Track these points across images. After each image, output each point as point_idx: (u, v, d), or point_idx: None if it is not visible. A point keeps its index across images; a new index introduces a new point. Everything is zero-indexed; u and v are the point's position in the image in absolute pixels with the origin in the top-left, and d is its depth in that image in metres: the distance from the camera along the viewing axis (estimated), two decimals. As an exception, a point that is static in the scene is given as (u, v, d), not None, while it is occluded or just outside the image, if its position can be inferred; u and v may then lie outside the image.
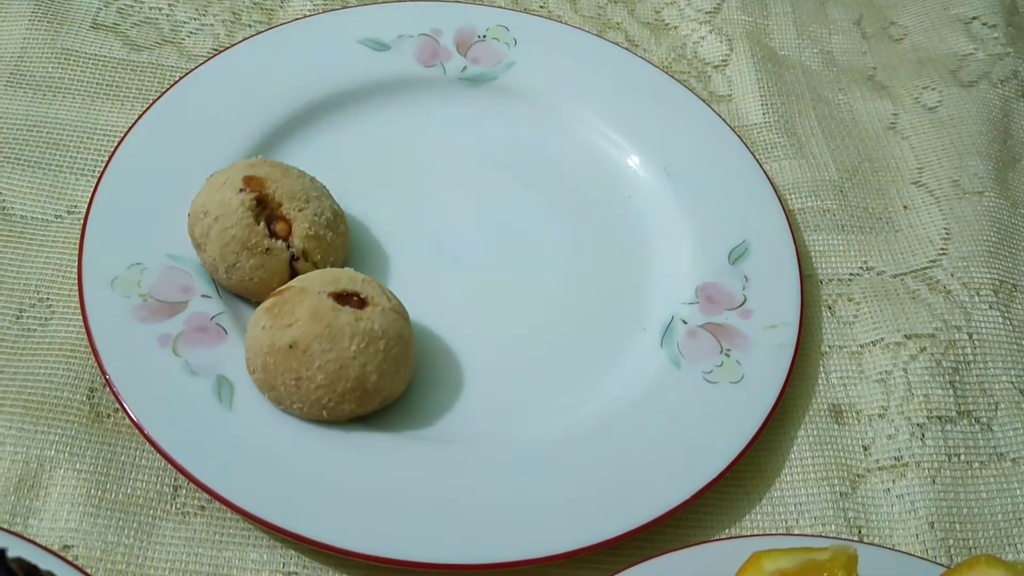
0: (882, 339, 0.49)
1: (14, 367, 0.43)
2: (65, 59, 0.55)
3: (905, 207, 0.55)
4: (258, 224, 0.44)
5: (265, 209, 0.45)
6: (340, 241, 0.47)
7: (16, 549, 0.34)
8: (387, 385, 0.42)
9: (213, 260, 0.44)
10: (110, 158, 0.48)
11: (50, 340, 0.44)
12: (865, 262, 0.52)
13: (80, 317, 0.43)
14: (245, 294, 0.45)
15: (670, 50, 0.61)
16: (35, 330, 0.45)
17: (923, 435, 0.45)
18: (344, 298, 0.42)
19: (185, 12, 0.58)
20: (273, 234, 0.44)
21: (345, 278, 0.43)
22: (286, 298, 0.42)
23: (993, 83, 0.61)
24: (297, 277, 0.44)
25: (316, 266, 0.45)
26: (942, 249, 0.53)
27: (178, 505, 0.41)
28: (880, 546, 0.41)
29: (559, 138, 0.55)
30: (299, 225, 0.45)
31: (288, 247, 0.45)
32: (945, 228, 0.53)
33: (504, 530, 0.39)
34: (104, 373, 0.41)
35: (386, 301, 0.42)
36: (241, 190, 0.44)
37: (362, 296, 0.42)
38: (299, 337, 0.40)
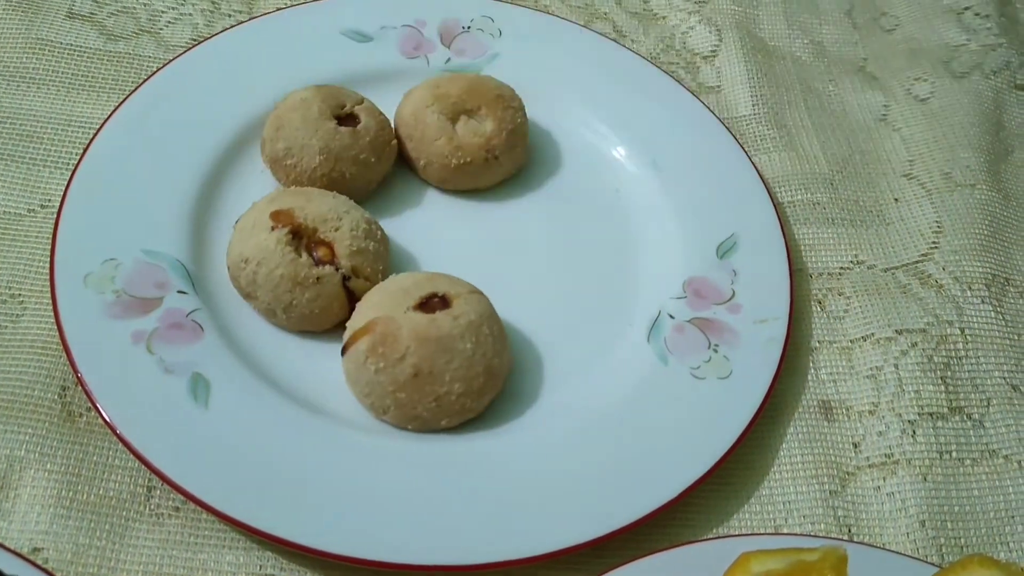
0: (873, 334, 0.48)
1: (-16, 365, 0.42)
2: (40, 49, 0.54)
3: (896, 200, 0.54)
4: (300, 256, 0.43)
5: (302, 239, 0.43)
6: (382, 248, 0.45)
7: (-19, 553, 0.33)
8: (506, 360, 0.42)
9: (268, 305, 0.43)
10: (85, 151, 0.47)
11: (21, 337, 0.43)
12: (856, 256, 0.51)
13: (52, 314, 0.42)
14: (310, 327, 0.44)
15: (658, 41, 0.60)
16: (6, 327, 0.44)
17: (914, 432, 0.45)
18: (428, 305, 0.41)
19: (163, 1, 0.57)
20: (318, 261, 0.43)
21: (412, 286, 0.42)
22: (380, 332, 0.40)
23: (985, 74, 0.60)
24: (362, 303, 0.42)
25: (368, 279, 0.44)
26: (933, 243, 0.52)
27: (152, 506, 0.40)
28: (870, 545, 0.40)
29: (545, 130, 0.54)
30: (341, 245, 0.43)
31: (337, 269, 0.43)
32: (936, 221, 0.53)
33: (486, 530, 0.39)
34: (76, 371, 0.40)
35: (461, 287, 0.42)
36: (272, 228, 0.43)
37: (440, 294, 0.42)
38: (419, 363, 0.40)
